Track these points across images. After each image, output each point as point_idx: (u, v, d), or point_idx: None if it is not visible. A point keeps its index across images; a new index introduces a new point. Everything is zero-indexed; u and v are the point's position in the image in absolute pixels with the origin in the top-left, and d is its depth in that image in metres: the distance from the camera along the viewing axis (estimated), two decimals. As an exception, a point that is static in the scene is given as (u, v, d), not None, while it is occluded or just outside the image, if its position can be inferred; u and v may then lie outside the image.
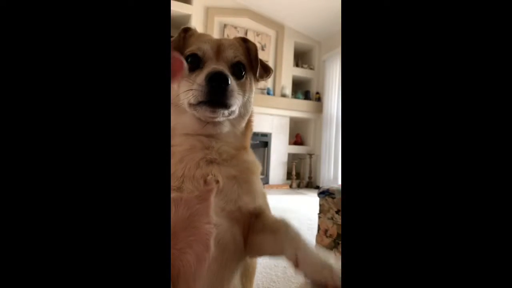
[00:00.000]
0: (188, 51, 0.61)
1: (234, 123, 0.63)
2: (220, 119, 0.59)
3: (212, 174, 0.54)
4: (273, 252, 0.55)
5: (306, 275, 0.44)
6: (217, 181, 0.54)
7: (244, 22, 4.82)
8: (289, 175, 5.31)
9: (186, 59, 0.60)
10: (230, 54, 0.62)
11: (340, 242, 1.39)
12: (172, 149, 0.56)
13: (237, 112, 0.61)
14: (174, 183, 0.52)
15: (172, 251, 0.49)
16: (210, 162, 0.56)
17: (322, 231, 1.49)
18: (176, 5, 4.21)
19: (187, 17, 4.49)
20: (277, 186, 4.95)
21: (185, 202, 0.51)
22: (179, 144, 0.58)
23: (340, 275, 0.39)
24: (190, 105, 0.56)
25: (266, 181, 5.05)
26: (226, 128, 0.61)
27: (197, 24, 4.48)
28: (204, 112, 0.56)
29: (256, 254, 0.60)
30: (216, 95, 0.54)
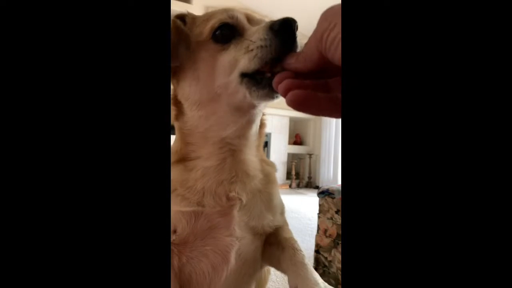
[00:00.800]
0: (216, 21, 0.46)
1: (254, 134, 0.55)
2: (261, 106, 0.48)
3: (235, 192, 0.50)
4: (278, 268, 0.55)
5: None
6: (240, 199, 0.50)
7: (244, 22, 4.81)
8: (288, 175, 5.31)
9: (214, 33, 0.46)
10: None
11: (339, 242, 1.39)
12: (195, 162, 0.51)
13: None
14: (194, 196, 0.49)
15: (183, 257, 0.50)
16: (234, 182, 0.51)
17: (321, 231, 1.49)
18: (175, 5, 4.21)
19: (187, 17, 4.49)
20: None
21: (205, 216, 0.49)
22: (205, 157, 0.50)
23: None
24: (244, 77, 0.42)
25: (265, 181, 5.04)
26: (255, 127, 0.53)
27: (197, 23, 4.47)
28: (268, 94, 0.40)
29: (265, 262, 0.59)
30: (288, 50, 0.38)
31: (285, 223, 0.60)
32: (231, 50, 0.44)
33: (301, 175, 5.47)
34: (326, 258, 1.44)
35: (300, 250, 0.52)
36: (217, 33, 0.46)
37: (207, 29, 0.47)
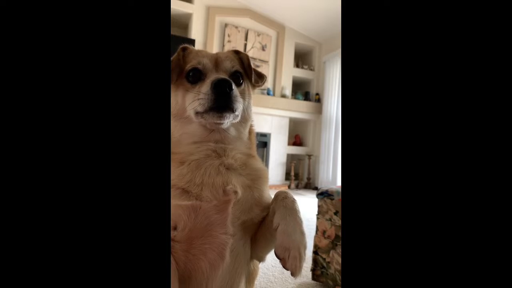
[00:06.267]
0: (189, 66, 0.66)
1: (238, 127, 0.67)
2: (226, 125, 0.63)
3: (232, 184, 0.56)
4: (266, 225, 0.59)
5: (275, 243, 0.52)
6: (236, 192, 0.56)
7: (245, 22, 4.82)
8: (287, 176, 5.31)
9: (188, 74, 0.65)
10: (228, 64, 0.68)
11: (338, 243, 1.39)
12: (180, 156, 0.60)
13: (239, 117, 0.65)
14: (193, 189, 0.55)
15: (185, 254, 0.52)
16: (228, 168, 0.59)
17: (320, 232, 1.49)
18: (177, 4, 4.21)
19: (188, 16, 4.49)
20: (276, 187, 4.95)
21: (203, 212, 0.53)
22: (189, 153, 0.60)
23: (299, 263, 0.48)
24: (197, 114, 0.60)
25: (264, 181, 5.03)
26: (232, 133, 0.65)
27: (198, 23, 4.48)
28: (212, 118, 0.59)
29: (256, 250, 0.63)
30: (222, 101, 0.58)
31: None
32: (195, 90, 0.62)
33: (300, 176, 5.47)
34: (324, 259, 1.44)
35: (291, 197, 0.58)
36: (190, 74, 0.65)
37: (186, 69, 0.66)
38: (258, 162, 0.67)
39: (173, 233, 0.52)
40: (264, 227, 0.62)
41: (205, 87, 0.60)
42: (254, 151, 0.70)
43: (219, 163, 0.58)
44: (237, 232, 0.56)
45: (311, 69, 5.60)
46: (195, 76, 0.65)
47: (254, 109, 0.72)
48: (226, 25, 4.70)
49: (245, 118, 0.68)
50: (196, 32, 4.48)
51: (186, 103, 0.63)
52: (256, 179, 0.62)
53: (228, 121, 0.62)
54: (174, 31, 4.49)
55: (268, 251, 0.65)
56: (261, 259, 0.67)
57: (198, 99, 0.59)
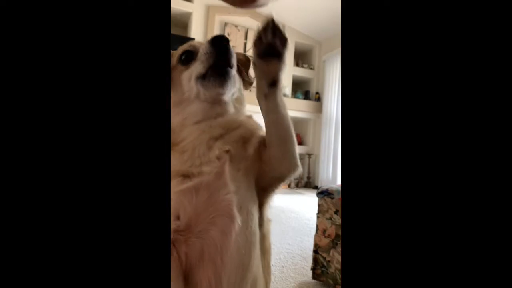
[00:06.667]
0: (180, 49, 0.69)
1: (236, 106, 0.68)
2: (227, 96, 0.64)
3: (220, 148, 0.57)
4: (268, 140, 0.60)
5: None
6: (227, 151, 0.57)
7: (245, 21, 4.81)
8: (288, 175, 5.31)
9: (180, 57, 0.68)
10: None
11: (338, 242, 1.40)
12: (182, 145, 0.60)
13: (238, 93, 0.68)
14: (194, 171, 0.55)
15: (190, 236, 0.50)
16: (218, 138, 0.59)
17: (320, 231, 1.49)
18: (177, 3, 4.20)
19: (188, 15, 4.48)
20: (276, 186, 4.94)
21: (205, 186, 0.53)
22: (189, 135, 0.60)
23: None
24: (198, 79, 0.62)
25: (265, 180, 5.03)
26: (231, 108, 0.66)
27: (197, 22, 4.47)
28: (214, 84, 0.61)
29: (262, 173, 0.61)
30: (222, 55, 0.61)
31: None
32: (190, 68, 0.65)
33: (300, 175, 5.47)
34: (324, 258, 1.44)
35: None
36: (182, 57, 0.68)
37: (177, 54, 0.69)
38: (253, 121, 0.68)
39: (176, 223, 0.50)
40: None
41: (204, 47, 0.62)
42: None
43: (209, 138, 0.59)
44: (240, 184, 0.55)
45: (311, 68, 5.59)
46: (188, 58, 0.66)
47: (253, 109, 0.72)
48: (226, 24, 4.69)
49: (241, 99, 0.70)
50: (195, 31, 4.47)
51: (184, 83, 0.65)
52: (250, 128, 0.64)
53: (228, 89, 0.63)
54: (174, 30, 4.48)
55: (270, 177, 0.63)
56: (267, 196, 0.63)
57: (201, 60, 0.61)
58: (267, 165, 0.60)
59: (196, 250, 0.50)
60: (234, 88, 0.65)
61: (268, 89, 0.56)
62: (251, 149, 0.60)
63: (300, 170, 0.63)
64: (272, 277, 1.51)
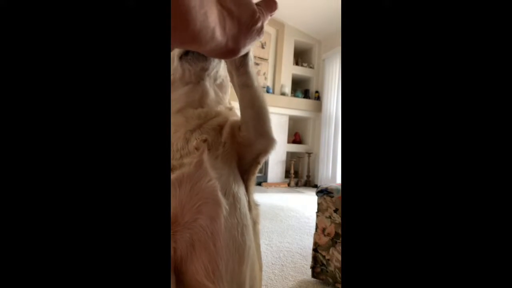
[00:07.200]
0: None
1: (217, 93, 0.68)
2: (211, 72, 0.64)
3: (196, 138, 0.57)
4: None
5: None
6: (205, 140, 0.56)
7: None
8: (287, 174, 5.32)
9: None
10: None
11: (337, 240, 1.40)
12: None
13: (219, 81, 0.68)
14: (176, 163, 0.54)
15: (178, 229, 0.50)
16: (195, 129, 0.59)
17: (320, 230, 1.50)
18: None
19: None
20: (275, 185, 4.96)
21: (187, 176, 0.52)
22: (173, 129, 0.60)
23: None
24: (181, 57, 0.63)
25: (264, 179, 5.05)
26: (213, 93, 0.66)
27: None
28: (197, 57, 0.62)
29: (241, 153, 0.61)
30: None
31: None
32: (172, 51, 0.63)
33: (300, 174, 5.48)
34: (324, 256, 1.45)
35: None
36: None
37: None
38: (235, 111, 0.68)
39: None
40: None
41: None
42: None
43: (184, 132, 0.58)
44: (222, 171, 0.55)
45: (310, 67, 5.59)
46: None
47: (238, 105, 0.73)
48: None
49: (225, 87, 0.70)
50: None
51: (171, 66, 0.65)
52: (221, 113, 0.63)
53: (212, 65, 0.63)
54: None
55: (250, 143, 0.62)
56: (250, 178, 0.64)
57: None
58: (245, 146, 0.60)
59: (185, 241, 0.49)
60: (218, 66, 0.65)
61: (239, 59, 0.55)
62: (225, 134, 0.60)
63: (276, 143, 0.62)
64: (272, 276, 1.52)
